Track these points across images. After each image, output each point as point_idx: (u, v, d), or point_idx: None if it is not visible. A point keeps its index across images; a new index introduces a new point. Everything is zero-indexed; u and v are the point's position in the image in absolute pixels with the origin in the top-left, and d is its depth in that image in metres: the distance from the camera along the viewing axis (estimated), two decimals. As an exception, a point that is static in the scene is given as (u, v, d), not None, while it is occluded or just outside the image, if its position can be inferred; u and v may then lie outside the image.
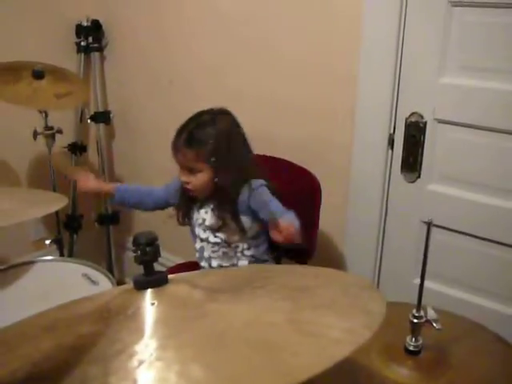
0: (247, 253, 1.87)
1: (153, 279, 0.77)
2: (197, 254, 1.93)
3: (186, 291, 0.77)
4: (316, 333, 0.63)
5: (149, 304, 0.73)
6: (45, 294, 1.70)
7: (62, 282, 1.82)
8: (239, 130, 1.82)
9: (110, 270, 2.93)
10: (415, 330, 1.13)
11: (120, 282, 2.84)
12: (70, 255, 2.89)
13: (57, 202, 1.21)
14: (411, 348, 1.13)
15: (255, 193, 1.78)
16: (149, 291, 0.76)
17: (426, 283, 1.91)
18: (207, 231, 1.87)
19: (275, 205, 1.75)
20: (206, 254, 1.89)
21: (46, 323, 0.78)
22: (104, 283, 1.82)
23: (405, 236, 2.04)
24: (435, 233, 1.94)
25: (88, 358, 0.64)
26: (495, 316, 1.87)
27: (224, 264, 1.88)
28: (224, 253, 1.86)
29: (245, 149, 1.83)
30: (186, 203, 1.91)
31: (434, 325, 1.11)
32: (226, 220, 1.80)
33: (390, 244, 2.11)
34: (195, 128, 1.76)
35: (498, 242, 1.84)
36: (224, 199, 1.80)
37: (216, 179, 1.77)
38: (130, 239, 3.10)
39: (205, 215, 1.87)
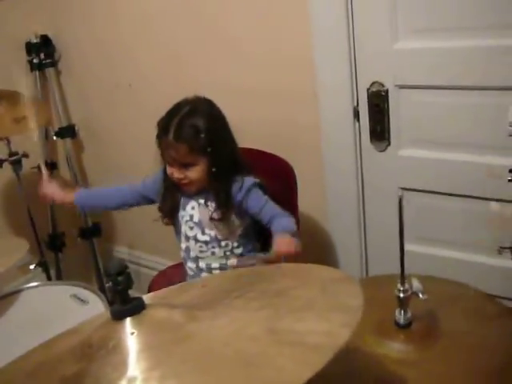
0: (236, 251, 1.83)
1: (129, 308, 0.76)
2: (182, 254, 1.89)
3: (165, 314, 0.76)
4: (295, 341, 0.63)
5: (128, 334, 0.73)
6: (35, 322, 1.70)
7: (52, 307, 1.81)
8: (222, 114, 1.76)
9: (101, 282, 2.92)
10: (402, 303, 1.13)
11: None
12: (58, 275, 2.87)
13: (15, 252, 1.17)
14: (401, 322, 1.14)
15: (250, 194, 1.75)
16: (127, 320, 0.75)
17: (413, 247, 1.95)
18: (195, 228, 1.81)
19: (271, 207, 1.74)
20: (192, 254, 1.85)
21: (29, 368, 0.77)
22: (94, 301, 1.80)
23: (385, 204, 2.05)
24: (413, 196, 1.96)
25: (73, 402, 0.64)
26: (482, 268, 1.90)
27: (213, 264, 1.83)
28: (212, 252, 1.82)
29: (231, 135, 1.78)
30: (170, 201, 1.84)
31: (420, 296, 1.12)
32: (224, 211, 1.75)
33: (371, 214, 2.12)
34: (182, 120, 1.68)
35: (475, 197, 1.85)
36: (221, 188, 1.74)
37: (214, 169, 1.71)
38: (116, 248, 3.09)
39: (191, 211, 1.81)
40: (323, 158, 2.09)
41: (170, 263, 2.27)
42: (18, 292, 1.91)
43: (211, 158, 1.71)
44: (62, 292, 1.88)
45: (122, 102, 2.67)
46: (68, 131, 2.83)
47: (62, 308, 1.79)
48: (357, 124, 1.99)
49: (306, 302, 0.71)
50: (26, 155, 2.43)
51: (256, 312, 0.71)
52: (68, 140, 2.85)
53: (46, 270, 2.60)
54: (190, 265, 1.87)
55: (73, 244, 2.94)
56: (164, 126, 1.70)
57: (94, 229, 2.92)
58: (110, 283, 0.76)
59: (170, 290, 0.91)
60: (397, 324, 1.15)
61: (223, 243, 1.81)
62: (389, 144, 1.95)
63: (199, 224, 1.81)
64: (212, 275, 1.77)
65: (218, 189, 1.75)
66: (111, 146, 2.85)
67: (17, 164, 2.40)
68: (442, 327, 1.15)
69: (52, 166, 2.88)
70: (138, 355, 0.69)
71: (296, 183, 1.95)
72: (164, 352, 0.68)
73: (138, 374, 0.66)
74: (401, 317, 1.14)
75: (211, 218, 1.77)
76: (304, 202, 2.00)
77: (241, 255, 1.84)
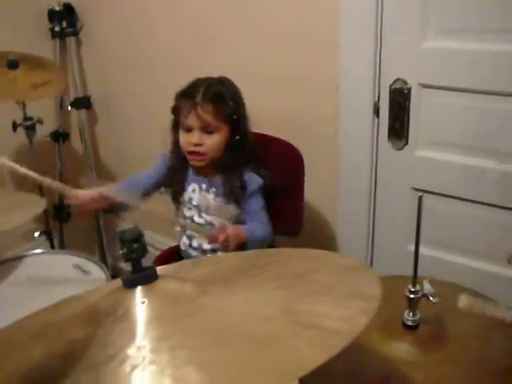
0: None
1: (142, 276, 0.75)
2: (178, 229, 1.92)
3: (177, 286, 0.74)
4: (313, 324, 0.61)
5: (139, 303, 0.71)
6: (37, 289, 1.69)
7: (54, 275, 1.80)
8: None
9: (103, 256, 2.91)
10: (412, 305, 1.12)
11: (114, 267, 2.82)
12: (62, 245, 2.86)
13: (34, 207, 1.16)
14: (409, 323, 1.12)
15: (252, 198, 1.76)
16: (138, 289, 0.73)
17: (421, 250, 1.92)
18: (192, 210, 1.83)
19: (260, 216, 1.77)
20: (188, 232, 1.87)
21: (36, 329, 0.75)
22: (96, 273, 1.80)
23: (396, 203, 2.03)
24: (426, 199, 1.92)
25: (80, 365, 0.62)
26: (490, 276, 1.87)
27: (204, 245, 1.84)
28: None
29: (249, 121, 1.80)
30: (177, 179, 1.84)
31: (431, 299, 1.10)
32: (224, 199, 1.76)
33: (381, 212, 2.10)
34: (210, 85, 1.71)
35: (488, 204, 1.83)
36: (235, 168, 1.74)
37: (236, 137, 1.72)
38: (120, 224, 3.07)
39: (192, 194, 1.83)
40: (339, 150, 2.07)
41: (173, 244, 2.26)
42: (21, 257, 1.91)
43: (233, 129, 1.72)
44: (65, 261, 1.87)
45: (139, 77, 2.65)
46: (83, 102, 2.81)
47: (65, 276, 1.79)
48: (376, 120, 1.97)
49: (323, 287, 0.70)
50: (40, 121, 2.42)
51: (272, 292, 0.70)
52: (82, 111, 2.84)
53: (50, 239, 2.59)
54: (185, 241, 1.90)
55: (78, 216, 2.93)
56: (189, 89, 1.71)
57: (101, 203, 2.91)
58: (124, 250, 0.74)
59: (182, 265, 0.90)
60: (404, 325, 1.13)
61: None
62: (406, 143, 1.93)
63: (197, 207, 1.82)
64: (226, 254, 1.76)
65: (230, 167, 1.75)
66: (125, 120, 2.83)
67: (31, 129, 2.40)
68: (449, 332, 1.13)
69: (64, 137, 2.87)
70: (147, 325, 0.68)
71: (304, 173, 1.92)
72: (175, 324, 0.67)
73: (146, 343, 0.64)
74: (409, 318, 1.12)
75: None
76: (315, 193, 1.99)
77: None
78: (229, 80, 1.78)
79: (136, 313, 0.70)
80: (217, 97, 1.69)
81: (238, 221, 1.81)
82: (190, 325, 0.66)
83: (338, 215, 2.18)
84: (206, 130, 1.70)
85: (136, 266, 0.75)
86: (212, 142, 1.71)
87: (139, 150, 2.78)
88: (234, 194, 1.76)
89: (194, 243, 1.86)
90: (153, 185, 1.89)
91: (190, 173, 1.84)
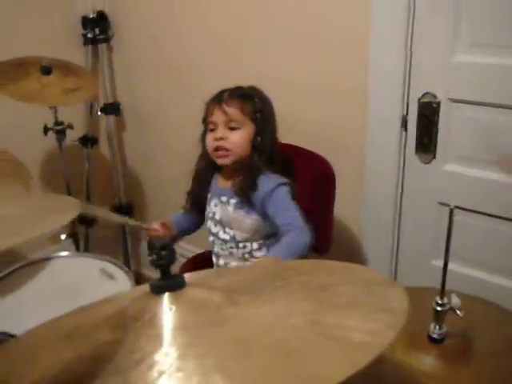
0: (257, 254, 1.78)
1: (170, 283, 0.76)
2: (211, 247, 1.90)
3: (204, 294, 0.75)
4: (339, 336, 0.61)
5: (167, 309, 0.72)
6: (62, 291, 1.71)
7: (79, 278, 1.82)
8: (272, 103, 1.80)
9: (127, 261, 2.94)
10: (439, 318, 1.10)
11: (137, 273, 2.84)
12: (86, 249, 2.89)
13: (71, 211, 1.17)
14: (435, 336, 1.11)
15: (273, 193, 1.69)
16: (166, 295, 0.74)
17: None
18: (217, 226, 1.81)
19: (290, 215, 1.67)
20: (215, 250, 1.85)
21: (65, 331, 0.77)
22: (121, 278, 1.81)
23: (422, 217, 2.02)
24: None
25: (108, 369, 0.63)
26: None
27: (231, 264, 1.81)
28: (230, 253, 1.79)
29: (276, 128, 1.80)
30: (198, 188, 1.86)
31: (458, 312, 1.09)
32: (243, 199, 1.72)
33: (407, 226, 2.09)
34: (237, 88, 1.75)
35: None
36: (252, 171, 1.71)
37: (259, 138, 1.71)
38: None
39: (214, 208, 1.81)
40: (365, 163, 2.06)
41: (199, 251, 2.27)
42: (47, 259, 1.93)
43: (257, 128, 1.71)
44: (92, 265, 1.89)
45: (169, 87, 2.68)
46: (113, 108, 2.86)
47: (91, 280, 1.80)
48: (403, 133, 1.97)
49: (350, 300, 0.70)
50: (70, 126, 2.46)
51: (299, 303, 0.70)
52: (111, 117, 2.87)
53: (76, 243, 2.62)
54: (214, 259, 1.88)
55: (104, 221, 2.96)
56: (218, 93, 1.74)
57: (127, 207, 2.95)
58: (154, 256, 0.75)
59: (210, 274, 0.91)
60: (430, 338, 1.12)
61: (241, 245, 1.77)
62: (434, 157, 1.92)
63: (220, 222, 1.80)
64: (252, 264, 1.72)
65: (248, 169, 1.72)
66: (153, 128, 2.86)
67: (61, 134, 2.44)
68: (475, 348, 1.11)
69: (93, 142, 2.91)
70: (175, 332, 0.69)
71: (335, 188, 1.92)
72: (202, 332, 0.67)
73: (174, 350, 0.65)
74: (435, 331, 1.11)
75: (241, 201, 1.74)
76: (340, 205, 1.98)
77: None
78: (257, 88, 1.79)
79: (163, 319, 0.71)
80: (244, 94, 1.72)
81: (262, 232, 1.77)
82: (217, 333, 0.67)
83: (363, 228, 2.18)
84: (230, 126, 1.70)
85: (165, 272, 0.76)
86: (235, 138, 1.70)
87: (166, 158, 2.80)
88: (248, 200, 1.72)
89: (221, 261, 1.84)
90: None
91: (214, 185, 1.84)
